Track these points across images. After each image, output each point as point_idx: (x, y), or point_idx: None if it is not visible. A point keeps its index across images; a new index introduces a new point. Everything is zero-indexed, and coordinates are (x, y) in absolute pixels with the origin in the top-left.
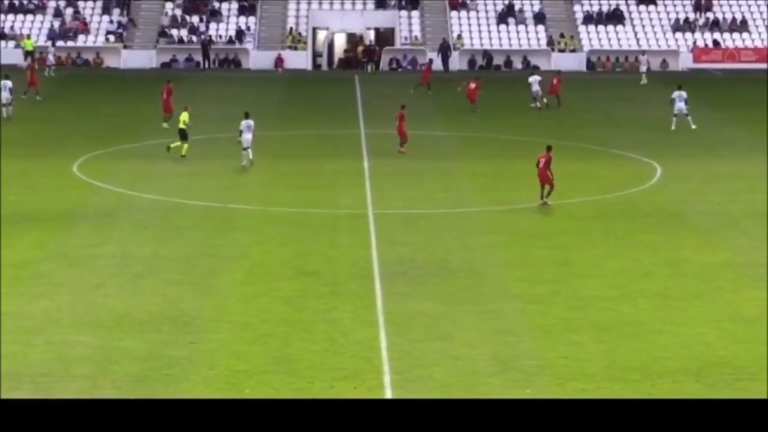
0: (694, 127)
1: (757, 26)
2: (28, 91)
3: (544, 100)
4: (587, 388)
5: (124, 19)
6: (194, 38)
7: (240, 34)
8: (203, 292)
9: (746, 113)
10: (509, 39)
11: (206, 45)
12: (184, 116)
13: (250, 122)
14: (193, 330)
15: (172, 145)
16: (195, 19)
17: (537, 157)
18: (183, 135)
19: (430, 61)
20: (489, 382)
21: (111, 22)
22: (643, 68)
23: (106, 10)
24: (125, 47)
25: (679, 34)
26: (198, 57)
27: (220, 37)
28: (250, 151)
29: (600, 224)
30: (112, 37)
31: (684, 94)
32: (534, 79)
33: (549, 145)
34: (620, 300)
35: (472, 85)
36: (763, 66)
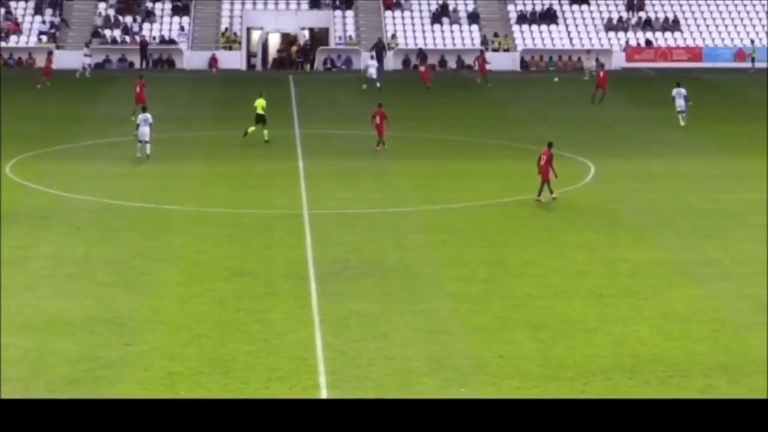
0: (683, 124)
1: (688, 25)
2: (41, 81)
3: (378, 84)
4: (522, 387)
5: (57, 20)
6: (127, 39)
7: (171, 40)
8: (137, 293)
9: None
10: (443, 38)
11: (144, 46)
12: (261, 102)
13: (147, 116)
14: (127, 331)
15: (249, 130)
16: (128, 19)
17: (538, 154)
18: (262, 120)
19: (482, 52)
20: (424, 381)
21: (43, 22)
22: (588, 64)
23: (38, 10)
24: (58, 47)
25: (612, 34)
26: (131, 57)
27: (154, 38)
28: (147, 145)
29: (535, 223)
30: (44, 38)
31: (683, 91)
32: (371, 64)
33: (550, 142)
34: (555, 298)
35: (422, 69)
36: (695, 65)
